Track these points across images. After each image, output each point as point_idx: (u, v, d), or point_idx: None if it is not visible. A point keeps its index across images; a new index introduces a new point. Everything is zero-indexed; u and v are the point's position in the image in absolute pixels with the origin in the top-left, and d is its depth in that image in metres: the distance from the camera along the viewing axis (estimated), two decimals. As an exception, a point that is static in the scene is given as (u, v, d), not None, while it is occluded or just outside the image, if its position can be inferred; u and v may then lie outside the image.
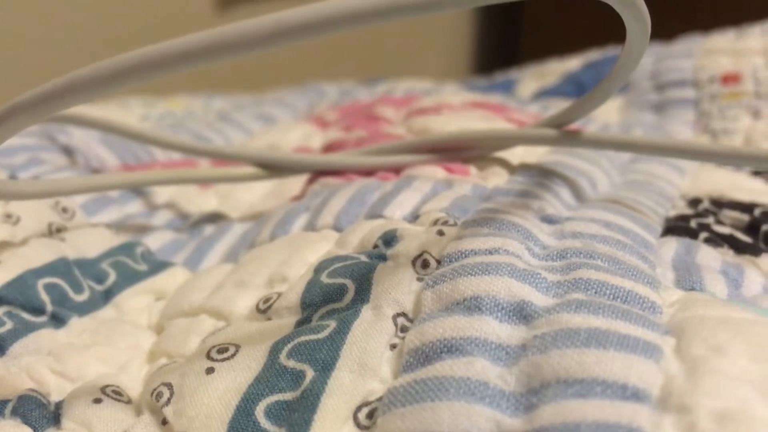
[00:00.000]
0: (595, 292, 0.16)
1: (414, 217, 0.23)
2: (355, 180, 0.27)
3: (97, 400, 0.18)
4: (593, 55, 0.61)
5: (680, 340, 0.15)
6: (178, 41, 0.14)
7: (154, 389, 0.18)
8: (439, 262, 0.19)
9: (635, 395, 0.13)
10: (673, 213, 0.25)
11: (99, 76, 0.14)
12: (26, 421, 0.18)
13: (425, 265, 0.19)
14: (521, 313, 0.16)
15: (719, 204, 0.26)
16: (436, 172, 0.26)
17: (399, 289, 0.18)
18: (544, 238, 0.20)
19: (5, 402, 0.18)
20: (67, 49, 0.76)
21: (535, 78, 0.62)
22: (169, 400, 0.17)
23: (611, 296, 0.16)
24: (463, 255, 0.18)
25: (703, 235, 0.22)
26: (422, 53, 1.26)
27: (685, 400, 0.13)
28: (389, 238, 0.21)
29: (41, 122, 0.31)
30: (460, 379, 0.15)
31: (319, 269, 0.20)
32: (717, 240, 0.22)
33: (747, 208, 0.25)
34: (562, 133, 0.24)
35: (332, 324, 0.18)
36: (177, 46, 0.14)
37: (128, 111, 0.46)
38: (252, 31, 0.13)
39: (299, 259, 0.22)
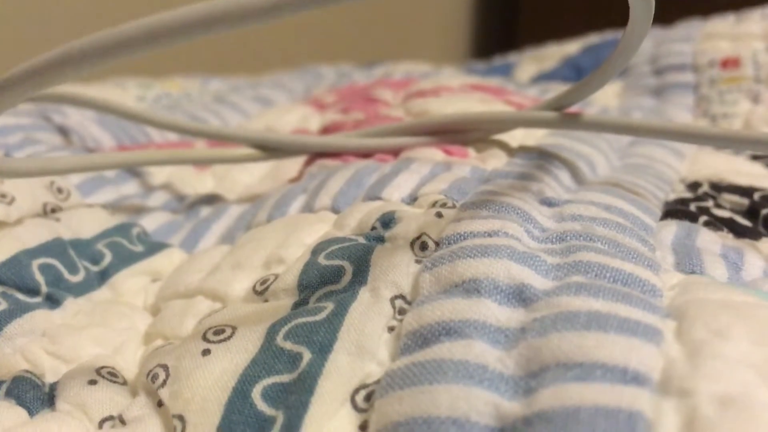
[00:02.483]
0: (595, 275, 0.16)
1: (412, 199, 0.22)
2: (352, 162, 0.27)
3: (92, 382, 0.18)
4: (592, 39, 0.61)
5: (681, 323, 0.15)
6: (169, 14, 0.13)
7: (150, 371, 0.18)
8: (437, 244, 0.19)
9: (635, 379, 0.13)
10: (672, 196, 0.25)
11: (93, 48, 0.14)
12: (20, 403, 0.18)
13: (424, 247, 0.19)
14: (520, 296, 0.16)
15: (718, 188, 0.26)
16: (435, 154, 0.26)
17: (397, 271, 0.18)
18: (544, 221, 0.20)
19: (-1, 383, 0.18)
20: (57, 25, 0.75)
21: (533, 62, 0.61)
22: (164, 381, 0.17)
23: (611, 279, 0.16)
24: (462, 237, 0.18)
25: (703, 218, 0.22)
26: (420, 37, 1.25)
27: (685, 384, 0.13)
28: (387, 220, 0.21)
29: (35, 96, 0.30)
30: (459, 362, 0.14)
31: (316, 251, 0.20)
32: (716, 224, 0.22)
33: (746, 192, 0.25)
34: (561, 115, 0.24)
35: (330, 306, 0.17)
36: (168, 20, 0.13)
37: (124, 91, 0.46)
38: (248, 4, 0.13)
39: (296, 240, 0.22)
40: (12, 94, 0.15)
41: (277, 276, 0.20)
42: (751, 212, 0.24)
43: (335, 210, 0.23)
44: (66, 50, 0.14)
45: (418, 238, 0.19)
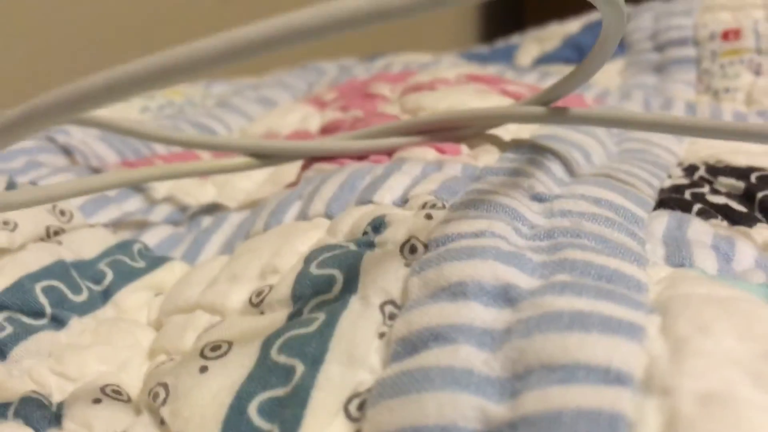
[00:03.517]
0: (580, 273, 0.16)
1: (403, 201, 0.22)
2: (347, 165, 0.27)
3: (97, 401, 0.18)
4: (593, 17, 0.60)
5: (665, 319, 0.15)
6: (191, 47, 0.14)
7: (151, 389, 0.18)
8: (426, 246, 0.19)
9: (618, 379, 0.13)
10: (668, 183, 0.25)
11: (112, 84, 0.14)
12: (28, 423, 0.18)
13: (413, 250, 0.19)
14: (506, 296, 0.16)
15: (715, 171, 0.26)
16: (427, 153, 0.26)
17: (386, 277, 0.18)
18: (533, 217, 0.20)
19: (7, 405, 0.18)
20: (68, 41, 0.76)
21: (535, 43, 0.61)
22: (165, 400, 0.17)
23: (596, 276, 0.16)
24: (450, 239, 0.18)
25: (697, 206, 0.22)
26: (428, 24, 1.24)
27: (667, 381, 0.13)
28: (378, 225, 0.21)
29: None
30: (446, 368, 0.15)
31: (308, 260, 0.20)
32: (710, 211, 0.22)
33: (743, 174, 0.25)
34: (550, 110, 0.24)
35: (321, 316, 0.18)
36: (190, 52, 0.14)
37: (128, 103, 0.46)
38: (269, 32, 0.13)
39: (290, 249, 0.22)
40: (16, 134, 0.16)
41: (272, 287, 0.20)
42: (747, 196, 0.24)
43: (329, 216, 0.23)
44: (86, 85, 0.14)
45: (407, 241, 0.19)
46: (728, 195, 0.24)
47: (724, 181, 0.25)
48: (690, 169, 0.26)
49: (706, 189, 0.24)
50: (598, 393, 0.13)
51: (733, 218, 0.22)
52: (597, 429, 0.12)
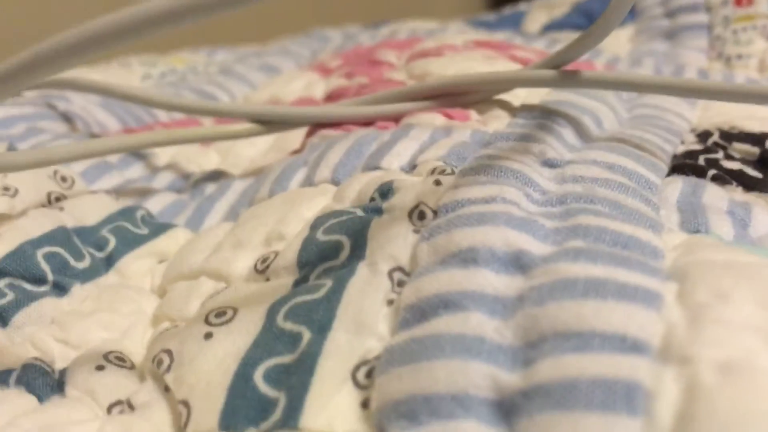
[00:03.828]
0: (594, 239, 0.16)
1: (411, 167, 0.22)
2: (353, 131, 0.27)
3: (100, 367, 0.18)
4: (602, -17, 0.59)
5: (683, 286, 0.14)
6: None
7: (155, 356, 0.18)
8: (435, 212, 0.18)
9: (635, 347, 0.13)
10: (681, 149, 0.24)
11: (87, 38, 0.14)
12: (30, 390, 0.18)
13: (422, 216, 0.19)
14: (518, 263, 0.16)
15: (729, 136, 0.25)
16: (435, 118, 0.26)
17: (394, 243, 0.18)
18: (545, 183, 0.20)
19: (10, 372, 0.18)
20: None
21: (544, 10, 0.60)
22: (169, 367, 0.17)
23: (611, 242, 0.16)
24: (460, 205, 0.18)
25: (711, 172, 0.21)
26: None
27: (686, 350, 0.13)
28: (385, 190, 0.20)
29: (37, 84, 0.30)
30: (456, 336, 0.14)
31: (315, 226, 0.20)
32: (725, 177, 0.21)
33: (758, 139, 0.25)
34: (561, 73, 0.23)
35: (328, 283, 0.17)
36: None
37: (129, 71, 0.46)
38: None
39: (296, 215, 0.21)
40: (10, 85, 0.15)
41: (277, 253, 0.20)
42: (762, 161, 0.23)
43: (335, 182, 0.23)
44: (67, 38, 0.14)
45: (416, 207, 0.19)
46: (743, 161, 0.24)
47: (739, 147, 0.24)
48: (703, 135, 0.26)
49: (720, 155, 0.24)
50: (615, 361, 0.13)
51: (748, 184, 0.21)
52: (614, 398, 0.12)
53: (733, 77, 0.36)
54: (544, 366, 0.13)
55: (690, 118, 0.28)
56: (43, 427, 0.15)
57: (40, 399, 0.18)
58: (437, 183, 0.20)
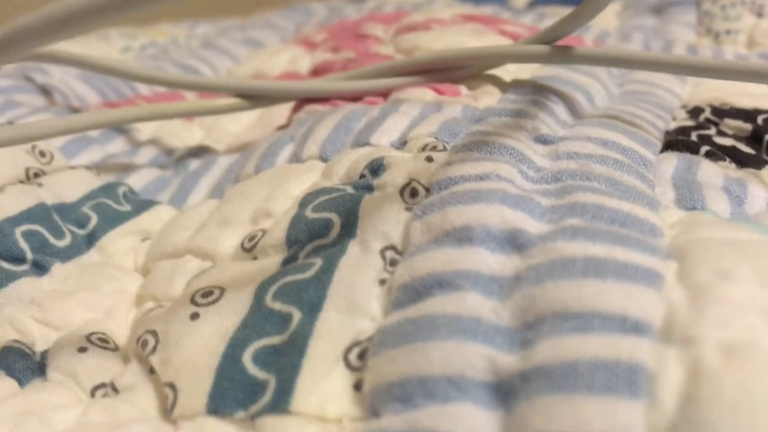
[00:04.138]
0: (592, 217, 0.16)
1: (402, 143, 0.21)
2: (341, 106, 0.26)
3: (83, 349, 0.18)
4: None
5: (683, 264, 0.14)
6: None
7: (140, 337, 0.17)
8: (428, 190, 0.18)
9: (635, 328, 0.13)
10: (673, 125, 0.24)
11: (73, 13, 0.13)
12: (10, 373, 0.17)
13: (414, 194, 0.18)
14: (514, 242, 0.15)
15: (720, 113, 0.25)
16: (425, 94, 0.25)
17: (386, 221, 0.17)
18: (538, 160, 0.19)
19: (-12, 355, 0.18)
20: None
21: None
22: (154, 348, 0.17)
23: (609, 220, 0.15)
24: (453, 182, 0.18)
25: (704, 148, 0.21)
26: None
27: (689, 331, 0.12)
28: (376, 167, 0.20)
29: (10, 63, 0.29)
30: (452, 316, 0.14)
31: (304, 203, 0.19)
32: (719, 153, 0.21)
33: (750, 116, 0.24)
34: (554, 49, 0.23)
35: (318, 262, 0.17)
36: None
37: (109, 44, 0.45)
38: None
39: (283, 192, 0.21)
40: None
41: (265, 231, 0.19)
42: (755, 138, 0.23)
43: (323, 158, 0.22)
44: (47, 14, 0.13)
45: (407, 184, 0.18)
46: (735, 137, 0.23)
47: (731, 123, 0.24)
48: (694, 111, 0.25)
49: (712, 131, 0.23)
50: (616, 343, 0.12)
51: (742, 160, 0.21)
52: (616, 380, 0.12)
53: (723, 53, 0.36)
54: (543, 347, 0.13)
55: (680, 94, 0.28)
56: (23, 412, 0.15)
57: (21, 383, 0.17)
58: (429, 159, 0.19)
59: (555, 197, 0.17)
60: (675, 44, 0.37)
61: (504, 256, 0.15)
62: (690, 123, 0.24)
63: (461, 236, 0.16)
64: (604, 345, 0.12)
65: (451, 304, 0.14)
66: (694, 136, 0.22)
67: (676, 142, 0.21)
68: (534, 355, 0.13)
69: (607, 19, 0.45)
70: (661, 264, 0.14)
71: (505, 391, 0.13)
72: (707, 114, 0.25)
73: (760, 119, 0.24)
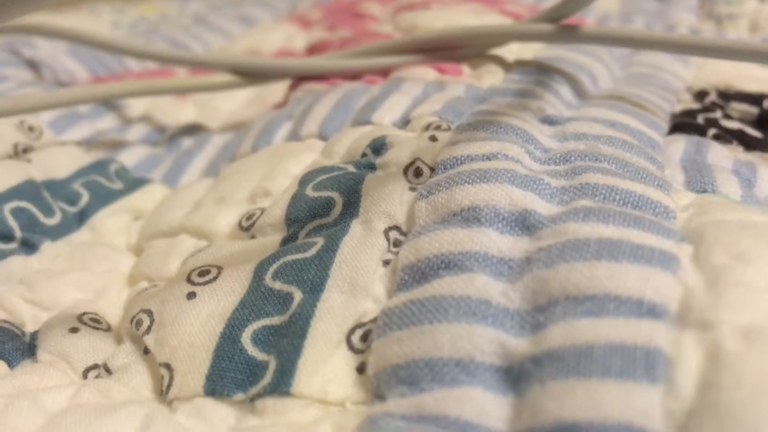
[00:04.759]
0: (604, 198, 0.15)
1: (404, 122, 0.21)
2: (340, 84, 0.26)
3: (74, 329, 0.17)
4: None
5: (698, 247, 0.14)
6: None
7: (134, 317, 0.17)
8: (432, 170, 0.17)
9: (652, 311, 0.12)
10: (678, 108, 0.24)
11: None
12: (-1, 354, 0.17)
13: (418, 173, 0.18)
14: (524, 223, 0.15)
15: (726, 96, 0.25)
16: (427, 73, 0.24)
17: (390, 200, 0.17)
18: (545, 141, 0.19)
19: (-24, 335, 0.17)
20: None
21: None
22: (149, 328, 0.16)
23: (621, 202, 0.15)
24: (459, 161, 0.17)
25: (712, 131, 0.21)
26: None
27: (707, 315, 0.12)
28: (378, 146, 0.19)
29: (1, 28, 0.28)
30: (460, 298, 0.13)
31: (304, 182, 0.19)
32: (726, 136, 0.21)
33: (756, 99, 0.24)
34: (559, 28, 0.22)
35: (320, 241, 0.16)
36: None
37: (98, 19, 0.44)
38: None
39: (282, 171, 0.20)
40: None
41: (263, 210, 0.19)
42: (761, 122, 0.22)
43: (323, 137, 0.22)
44: None
45: (411, 164, 0.18)
46: (741, 120, 0.23)
47: (737, 107, 0.24)
48: (700, 94, 0.25)
49: (718, 114, 0.23)
50: (632, 326, 0.12)
51: (749, 143, 0.20)
52: (633, 365, 0.11)
53: (725, 37, 0.35)
54: (556, 331, 0.12)
55: (685, 77, 0.27)
56: (13, 394, 0.14)
57: (10, 364, 0.16)
58: (433, 139, 0.19)
59: (565, 178, 0.16)
60: (677, 28, 0.36)
61: (513, 238, 0.15)
62: (696, 106, 0.24)
63: (469, 216, 0.15)
64: (620, 328, 0.12)
65: (459, 285, 0.14)
66: (700, 119, 0.22)
67: (683, 124, 0.21)
68: (546, 339, 0.12)
69: (608, 2, 0.44)
70: (676, 247, 0.14)
71: (516, 376, 0.12)
72: (713, 97, 0.25)
73: (766, 103, 0.24)
